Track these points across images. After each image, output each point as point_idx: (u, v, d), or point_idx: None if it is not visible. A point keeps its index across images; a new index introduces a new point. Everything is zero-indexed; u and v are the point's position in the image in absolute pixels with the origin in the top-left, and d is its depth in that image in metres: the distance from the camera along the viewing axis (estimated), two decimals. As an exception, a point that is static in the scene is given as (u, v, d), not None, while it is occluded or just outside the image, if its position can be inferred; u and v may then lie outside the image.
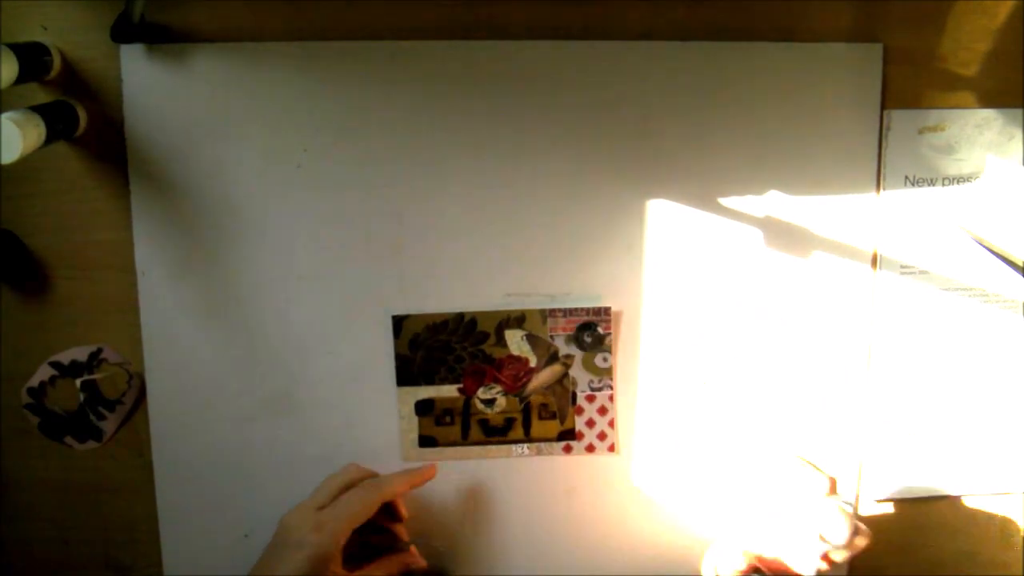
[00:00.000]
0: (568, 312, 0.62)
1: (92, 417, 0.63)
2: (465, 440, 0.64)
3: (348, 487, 0.58)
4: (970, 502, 0.66)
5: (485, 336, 0.63)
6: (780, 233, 0.62)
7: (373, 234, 0.61)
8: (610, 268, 0.62)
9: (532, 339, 0.63)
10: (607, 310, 0.62)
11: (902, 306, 0.64)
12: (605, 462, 0.64)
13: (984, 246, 0.63)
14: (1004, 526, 0.66)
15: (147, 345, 0.62)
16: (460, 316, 0.62)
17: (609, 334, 0.63)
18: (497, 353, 0.63)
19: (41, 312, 0.62)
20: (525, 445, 0.64)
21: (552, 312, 0.62)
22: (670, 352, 0.63)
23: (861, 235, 0.63)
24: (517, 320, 0.62)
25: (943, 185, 0.63)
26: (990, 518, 0.66)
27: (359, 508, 0.56)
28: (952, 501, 0.66)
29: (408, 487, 0.60)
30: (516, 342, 0.63)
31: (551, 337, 0.63)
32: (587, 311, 0.62)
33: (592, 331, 0.63)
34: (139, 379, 0.63)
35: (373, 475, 0.61)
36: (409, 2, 0.59)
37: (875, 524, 0.65)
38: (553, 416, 0.64)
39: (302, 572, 0.53)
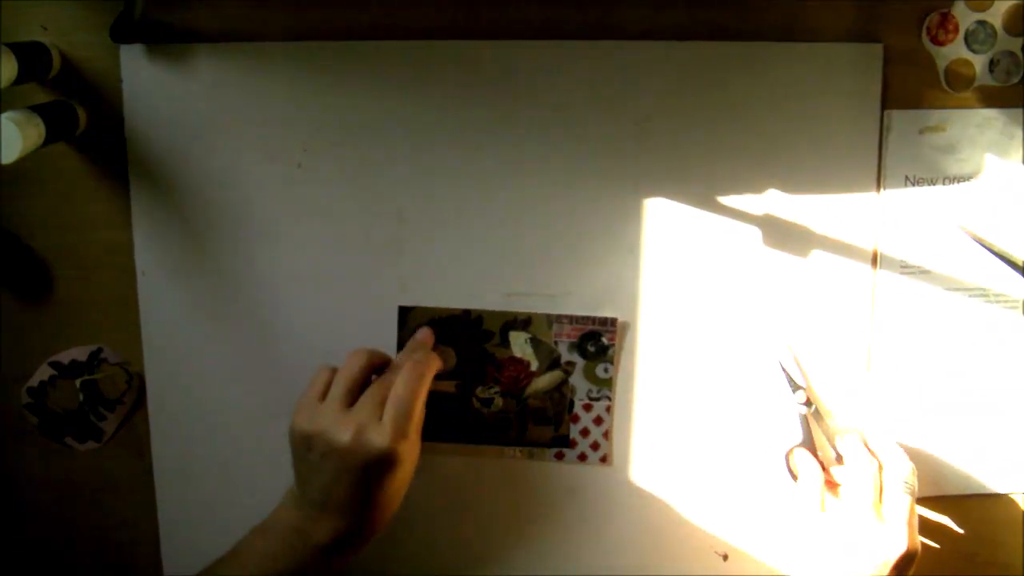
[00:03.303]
0: (575, 320, 0.62)
1: (92, 417, 0.63)
2: (460, 437, 0.64)
3: (368, 370, 0.56)
4: (970, 502, 0.66)
5: (489, 335, 0.62)
6: (780, 232, 0.62)
7: (373, 234, 0.61)
8: (611, 268, 0.62)
9: (536, 343, 0.63)
10: (613, 321, 0.62)
11: (902, 306, 0.63)
12: (600, 471, 0.64)
13: (985, 246, 0.63)
14: (1004, 526, 0.66)
15: (147, 345, 0.62)
16: (467, 312, 0.62)
17: (613, 345, 0.63)
18: (499, 353, 0.63)
19: (41, 312, 0.62)
20: (517, 448, 0.64)
21: (559, 318, 0.62)
22: (669, 349, 0.63)
23: (861, 234, 0.63)
24: (523, 323, 0.62)
25: (944, 184, 0.62)
26: (990, 518, 0.66)
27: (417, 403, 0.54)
28: (953, 501, 0.66)
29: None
30: (519, 344, 0.63)
31: (555, 343, 0.63)
32: (593, 320, 0.62)
33: (596, 341, 0.62)
34: (139, 379, 0.63)
35: (384, 356, 0.58)
36: (409, 2, 0.59)
37: (875, 524, 0.66)
38: (548, 422, 0.63)
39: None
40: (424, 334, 0.62)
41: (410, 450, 0.54)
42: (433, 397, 0.63)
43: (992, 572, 0.67)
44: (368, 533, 0.54)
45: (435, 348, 0.62)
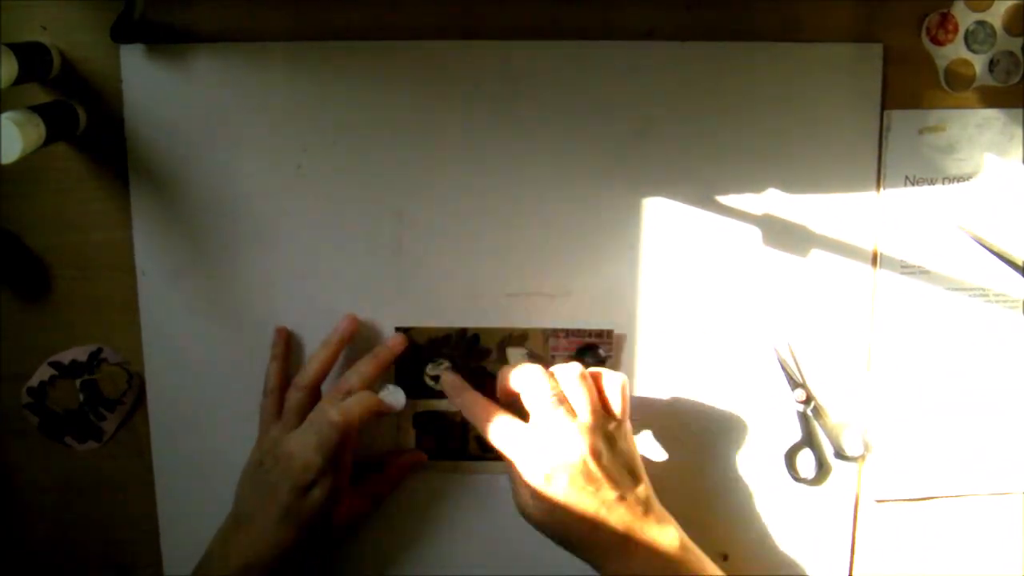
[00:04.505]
0: (570, 333, 0.62)
1: (92, 417, 0.63)
2: (463, 455, 0.64)
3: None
4: (970, 502, 0.66)
5: (487, 352, 0.62)
6: (780, 232, 0.62)
7: (373, 233, 0.61)
8: (611, 268, 0.62)
9: (533, 358, 0.62)
10: (609, 332, 0.62)
11: (902, 306, 0.63)
12: None
13: (984, 246, 0.63)
14: (1004, 526, 0.66)
15: (147, 345, 0.62)
16: (463, 331, 0.62)
17: (611, 356, 0.62)
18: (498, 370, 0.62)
19: (41, 312, 0.62)
20: None
21: (555, 332, 0.62)
22: (668, 350, 0.63)
23: (861, 234, 0.63)
24: (519, 338, 0.62)
25: (943, 184, 0.62)
26: (990, 518, 0.66)
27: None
28: (952, 501, 0.66)
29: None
30: (517, 360, 0.62)
31: (552, 357, 0.62)
32: (589, 332, 0.62)
33: (594, 352, 0.62)
34: (139, 379, 0.63)
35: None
36: (409, 2, 0.59)
37: (876, 524, 0.66)
38: None
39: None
40: (395, 340, 0.61)
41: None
42: (434, 417, 0.63)
43: (993, 572, 0.67)
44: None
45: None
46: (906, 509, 0.66)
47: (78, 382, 0.62)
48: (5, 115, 0.51)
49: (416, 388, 0.62)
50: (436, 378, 0.62)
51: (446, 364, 0.62)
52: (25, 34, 0.58)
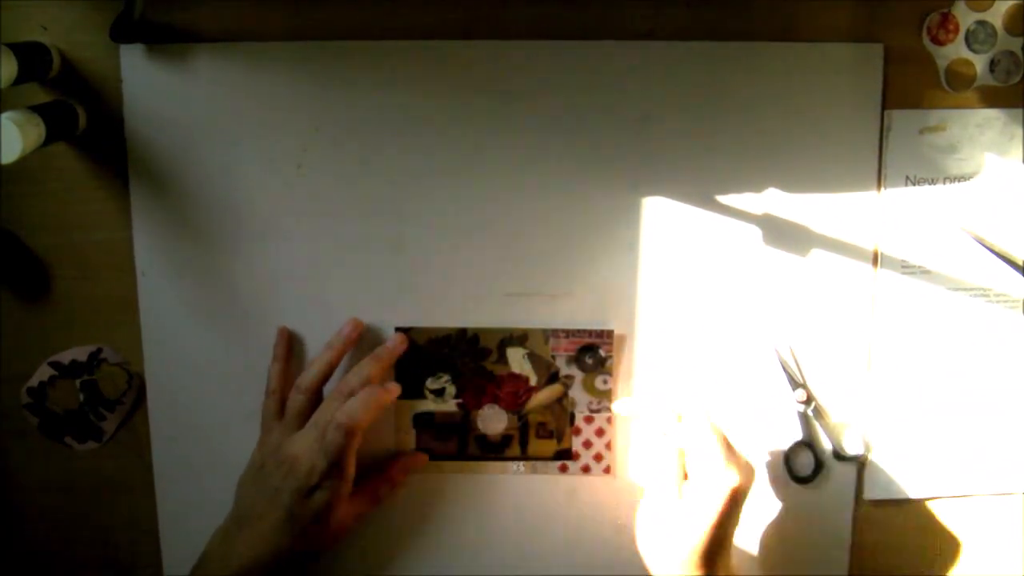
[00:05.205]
0: (571, 333, 0.62)
1: (92, 417, 0.63)
2: (462, 455, 0.64)
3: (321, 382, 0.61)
4: (970, 502, 0.66)
5: (487, 353, 0.62)
6: (780, 232, 0.62)
7: (373, 234, 0.61)
8: (610, 268, 0.62)
9: (533, 358, 0.62)
10: (610, 333, 0.62)
11: (902, 306, 0.63)
12: (604, 481, 0.64)
13: (985, 246, 0.63)
14: (1004, 526, 0.66)
15: (147, 345, 0.62)
16: (463, 331, 0.62)
17: (611, 357, 0.62)
18: (498, 370, 0.63)
19: (41, 312, 0.62)
20: (521, 463, 0.64)
21: (555, 332, 0.62)
22: (668, 350, 0.63)
23: (862, 234, 0.63)
24: (519, 338, 0.62)
25: (944, 184, 0.62)
26: (990, 518, 0.66)
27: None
28: (952, 501, 0.66)
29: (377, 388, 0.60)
30: (517, 360, 0.62)
31: (552, 357, 0.62)
32: (590, 333, 0.62)
33: (594, 353, 0.62)
34: (139, 379, 0.63)
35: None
36: (409, 2, 0.59)
37: (876, 524, 0.66)
38: (551, 435, 0.63)
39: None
40: (396, 340, 0.62)
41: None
42: (434, 417, 0.63)
43: (992, 572, 0.67)
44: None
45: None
46: (906, 509, 0.66)
47: (78, 382, 0.62)
48: (5, 115, 0.51)
49: (415, 389, 0.62)
50: (436, 391, 0.62)
51: (446, 378, 0.62)
52: (25, 34, 0.58)
